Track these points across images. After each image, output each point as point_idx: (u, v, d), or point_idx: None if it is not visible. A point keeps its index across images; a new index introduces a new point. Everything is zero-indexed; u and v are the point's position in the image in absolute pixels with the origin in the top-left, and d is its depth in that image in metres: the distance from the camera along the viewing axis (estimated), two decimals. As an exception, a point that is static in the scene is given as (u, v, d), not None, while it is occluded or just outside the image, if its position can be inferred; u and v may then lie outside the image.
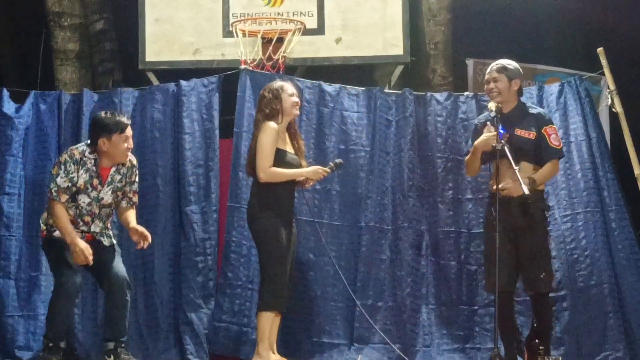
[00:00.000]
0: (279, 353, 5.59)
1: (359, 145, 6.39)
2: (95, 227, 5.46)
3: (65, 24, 8.50)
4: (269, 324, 5.44)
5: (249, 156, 5.57)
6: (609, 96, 6.52)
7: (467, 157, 5.78)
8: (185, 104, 6.40)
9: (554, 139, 5.64)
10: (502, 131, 5.44)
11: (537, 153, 5.60)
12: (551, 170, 5.65)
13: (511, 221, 5.48)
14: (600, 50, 6.49)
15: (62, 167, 5.34)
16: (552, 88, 6.51)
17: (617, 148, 6.97)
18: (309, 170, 5.56)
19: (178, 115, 6.38)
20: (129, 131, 5.43)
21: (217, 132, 6.36)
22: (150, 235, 5.53)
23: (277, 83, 5.64)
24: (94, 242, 5.43)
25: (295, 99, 5.57)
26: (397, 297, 6.22)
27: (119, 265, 5.48)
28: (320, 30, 7.23)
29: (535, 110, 5.74)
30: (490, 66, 5.74)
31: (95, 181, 5.38)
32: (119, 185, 5.48)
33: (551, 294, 5.92)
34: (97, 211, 5.44)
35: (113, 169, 5.45)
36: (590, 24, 9.54)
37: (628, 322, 6.08)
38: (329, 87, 6.45)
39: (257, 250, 5.58)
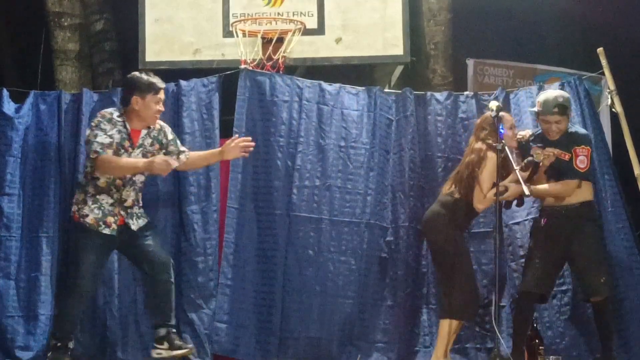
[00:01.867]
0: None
1: (359, 143, 6.39)
2: (127, 194, 5.41)
3: (65, 24, 8.50)
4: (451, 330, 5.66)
5: (459, 178, 5.72)
6: (609, 96, 6.51)
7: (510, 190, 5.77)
8: (185, 103, 6.40)
9: (581, 161, 5.70)
10: (502, 131, 5.45)
11: (562, 171, 5.72)
12: (562, 187, 5.69)
13: (561, 232, 5.65)
14: (600, 50, 6.49)
15: (97, 128, 5.33)
16: (552, 88, 6.50)
17: (617, 148, 6.97)
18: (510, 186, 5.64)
19: (178, 115, 6.38)
20: (162, 95, 5.45)
21: (217, 132, 6.36)
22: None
23: (494, 114, 5.59)
24: (124, 229, 5.39)
25: (514, 130, 5.78)
26: (397, 296, 6.23)
27: (157, 247, 5.46)
28: (320, 30, 7.23)
29: (574, 129, 5.82)
30: (549, 103, 5.69)
31: (127, 143, 5.37)
32: (150, 148, 5.47)
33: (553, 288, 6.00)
34: (127, 175, 5.39)
35: (144, 132, 5.44)
36: (590, 24, 9.53)
37: (625, 323, 6.08)
38: (329, 86, 6.46)
39: (440, 261, 5.76)
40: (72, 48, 8.51)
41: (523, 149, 5.87)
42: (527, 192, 5.36)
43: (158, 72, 7.24)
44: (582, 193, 5.73)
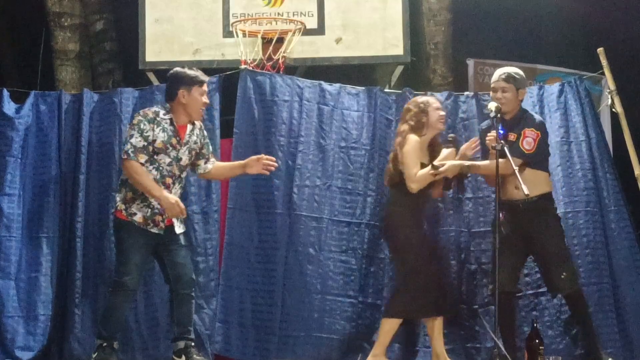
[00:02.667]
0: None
1: (359, 144, 6.39)
2: (175, 192, 5.40)
3: (66, 24, 8.50)
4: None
5: (389, 166, 5.68)
6: (609, 96, 6.51)
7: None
8: (185, 104, 6.39)
9: (527, 142, 5.64)
10: (502, 131, 5.45)
11: (537, 159, 5.66)
12: (502, 165, 5.36)
13: (521, 224, 5.51)
14: (600, 50, 6.49)
15: (136, 127, 5.31)
16: (553, 88, 6.51)
17: (617, 148, 6.97)
18: (446, 157, 5.58)
19: (178, 115, 6.37)
20: (206, 87, 5.46)
21: (217, 132, 6.36)
22: None
23: (423, 97, 5.78)
24: (168, 231, 5.39)
25: (442, 112, 5.74)
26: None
27: (187, 262, 5.47)
28: (320, 30, 7.23)
29: (529, 114, 5.78)
30: (498, 74, 5.72)
31: (174, 140, 5.36)
32: (194, 146, 5.47)
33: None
34: (177, 173, 5.40)
35: (189, 128, 5.44)
36: (590, 24, 9.54)
37: (626, 322, 6.09)
38: (329, 86, 6.46)
39: (395, 258, 5.72)
40: (72, 48, 8.51)
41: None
42: (526, 191, 5.34)
43: (158, 72, 7.34)
44: (540, 185, 5.64)
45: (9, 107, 6.44)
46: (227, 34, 7.17)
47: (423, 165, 5.57)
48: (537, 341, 5.49)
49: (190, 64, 7.12)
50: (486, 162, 5.68)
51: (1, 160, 6.34)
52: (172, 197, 5.24)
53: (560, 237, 5.74)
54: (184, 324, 5.41)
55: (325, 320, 6.13)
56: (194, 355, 5.38)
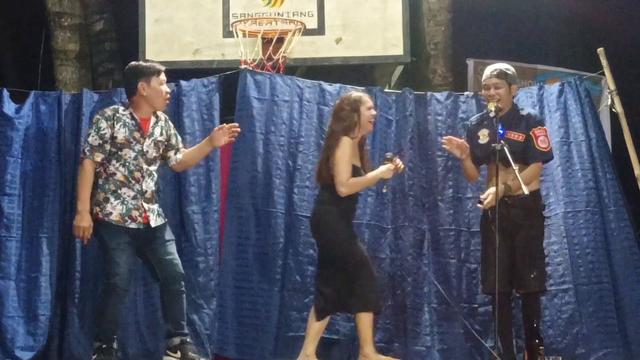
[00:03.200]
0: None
1: (359, 144, 6.39)
2: (147, 185, 5.38)
3: (66, 24, 8.50)
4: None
5: (321, 166, 5.54)
6: (609, 96, 6.52)
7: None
8: (185, 104, 6.39)
9: (542, 141, 5.64)
10: (501, 131, 5.45)
11: (526, 155, 5.63)
12: (533, 172, 5.61)
13: (506, 221, 5.50)
14: (600, 50, 6.50)
15: (94, 126, 5.33)
16: (552, 88, 6.51)
17: (617, 148, 6.97)
18: (382, 170, 5.54)
19: (178, 116, 6.37)
20: (164, 76, 5.46)
21: (217, 132, 6.35)
22: None
23: (355, 94, 5.64)
24: (146, 228, 5.36)
25: (373, 112, 5.62)
26: (397, 296, 6.23)
27: (173, 257, 5.44)
28: (320, 30, 7.23)
29: (526, 111, 5.75)
30: (489, 70, 5.71)
31: (137, 134, 5.36)
32: (160, 138, 5.46)
33: (552, 288, 5.96)
34: (144, 166, 5.38)
35: (152, 120, 5.43)
36: (590, 24, 9.55)
37: (625, 322, 6.10)
38: (329, 87, 6.45)
39: (333, 258, 5.48)
40: (72, 48, 8.51)
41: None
42: (526, 192, 5.35)
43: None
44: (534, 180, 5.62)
45: (9, 107, 6.44)
46: (227, 34, 7.17)
47: (355, 168, 5.47)
48: (537, 341, 5.50)
49: (190, 64, 7.20)
50: (523, 174, 5.51)
51: (1, 160, 6.34)
52: (87, 220, 5.22)
53: (541, 237, 5.72)
54: (177, 320, 5.39)
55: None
56: (189, 352, 5.37)
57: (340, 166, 5.40)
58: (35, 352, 6.08)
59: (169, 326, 5.43)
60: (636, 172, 6.35)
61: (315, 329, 5.52)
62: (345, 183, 5.39)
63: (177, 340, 5.37)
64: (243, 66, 6.61)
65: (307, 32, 7.12)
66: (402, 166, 5.64)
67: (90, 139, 5.30)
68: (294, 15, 7.22)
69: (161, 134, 5.47)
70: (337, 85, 6.48)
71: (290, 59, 7.07)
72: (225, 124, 5.57)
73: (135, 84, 5.37)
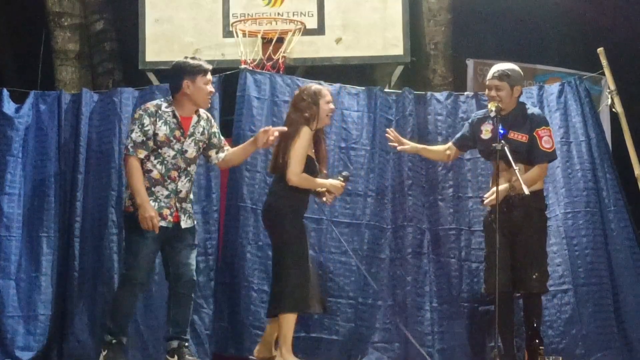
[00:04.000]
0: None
1: (359, 144, 6.39)
2: (182, 185, 5.37)
3: (65, 24, 8.51)
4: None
5: (277, 155, 5.53)
6: (609, 96, 6.52)
7: (431, 148, 5.97)
8: (185, 104, 6.39)
9: (546, 141, 5.65)
10: (502, 131, 5.45)
11: (530, 156, 5.64)
12: (538, 173, 5.63)
13: (509, 221, 5.50)
14: (600, 50, 6.50)
15: (137, 122, 5.28)
16: (552, 88, 6.51)
17: (617, 148, 6.97)
18: (332, 184, 5.56)
19: (178, 115, 6.37)
20: (210, 76, 5.40)
21: (217, 132, 6.36)
22: None
23: (315, 87, 5.65)
24: (175, 227, 5.35)
25: (332, 106, 5.63)
26: (397, 295, 6.23)
27: (191, 262, 5.43)
28: (320, 30, 7.24)
29: (531, 111, 5.75)
30: (491, 71, 5.72)
31: (177, 132, 5.32)
32: (200, 137, 5.42)
33: (552, 288, 5.96)
34: (182, 165, 5.35)
35: (194, 119, 5.40)
36: (590, 24, 9.55)
37: (626, 323, 6.10)
38: (329, 87, 6.44)
39: (277, 250, 5.53)
40: (72, 48, 8.52)
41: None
42: (527, 192, 5.35)
43: (158, 72, 7.34)
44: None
45: (9, 107, 6.44)
46: (227, 34, 7.17)
47: (310, 159, 5.48)
48: (537, 341, 5.50)
49: (190, 64, 7.18)
50: (525, 176, 5.51)
51: (1, 160, 6.34)
52: (151, 209, 5.17)
53: (543, 238, 5.73)
54: (179, 324, 5.39)
55: (325, 321, 6.14)
56: (187, 356, 5.36)
57: (296, 156, 5.40)
58: (35, 352, 6.08)
59: (169, 329, 5.42)
60: (636, 172, 6.35)
61: (284, 325, 5.45)
62: (298, 173, 5.40)
63: (175, 344, 5.36)
64: (243, 66, 6.61)
65: (307, 32, 7.13)
66: (339, 194, 5.64)
67: (133, 135, 5.25)
68: (294, 15, 7.23)
69: (202, 133, 5.44)
70: (337, 85, 6.48)
71: (290, 59, 7.08)
72: (271, 127, 5.48)
73: (180, 81, 5.32)
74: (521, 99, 5.87)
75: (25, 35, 9.49)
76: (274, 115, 6.34)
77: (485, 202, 5.54)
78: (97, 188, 6.31)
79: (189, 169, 5.41)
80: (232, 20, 7.17)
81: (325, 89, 5.70)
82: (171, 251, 5.38)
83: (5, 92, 6.47)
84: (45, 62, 8.75)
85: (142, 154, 5.25)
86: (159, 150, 5.29)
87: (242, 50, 6.89)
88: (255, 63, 6.83)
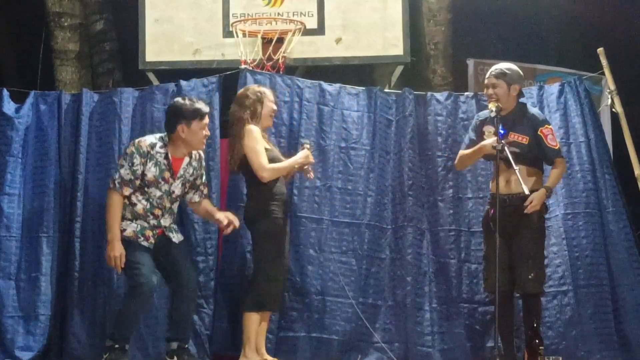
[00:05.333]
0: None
1: (359, 144, 6.39)
2: (165, 221, 5.40)
3: (65, 24, 8.51)
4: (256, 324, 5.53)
5: (236, 157, 5.59)
6: (609, 96, 6.52)
7: (465, 152, 5.85)
8: (185, 104, 6.38)
9: (551, 139, 5.71)
10: (502, 131, 5.46)
11: (532, 156, 5.66)
12: (561, 169, 5.74)
13: (507, 221, 5.51)
14: (600, 50, 6.50)
15: (128, 158, 5.28)
16: (552, 88, 6.51)
17: (617, 148, 6.97)
18: (301, 156, 5.66)
19: (178, 115, 6.37)
20: (207, 120, 5.42)
21: (217, 132, 6.35)
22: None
23: (259, 86, 5.80)
24: (163, 237, 5.39)
25: (275, 107, 5.76)
26: (397, 296, 6.23)
27: (189, 265, 5.48)
28: (320, 30, 7.23)
29: (531, 111, 5.77)
30: (490, 70, 5.77)
31: (167, 174, 5.33)
32: (189, 178, 5.45)
33: (552, 289, 5.96)
34: (167, 205, 5.39)
35: (186, 161, 5.41)
36: (590, 24, 9.55)
37: (624, 324, 6.10)
38: (329, 87, 6.46)
39: (255, 250, 5.65)
40: (72, 48, 8.52)
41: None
42: (527, 192, 5.36)
43: (158, 72, 7.34)
44: (531, 182, 5.60)
45: (9, 107, 6.44)
46: (227, 34, 7.17)
47: (269, 151, 5.57)
48: (537, 341, 5.50)
49: (190, 64, 7.19)
50: (553, 176, 5.69)
51: (1, 160, 6.34)
52: (118, 250, 5.19)
53: (541, 238, 5.73)
54: (181, 327, 5.40)
55: (325, 321, 6.13)
56: (186, 357, 5.37)
57: (255, 153, 5.48)
58: (35, 352, 6.08)
59: (170, 330, 5.44)
60: (636, 172, 6.35)
61: (247, 324, 5.56)
62: (266, 167, 5.48)
63: (174, 345, 5.37)
64: (243, 66, 6.61)
65: (307, 32, 7.12)
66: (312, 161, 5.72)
67: (122, 172, 5.27)
68: (294, 15, 7.22)
69: (192, 175, 5.47)
70: (337, 85, 6.48)
71: (290, 59, 7.07)
72: (230, 219, 5.49)
73: (175, 125, 5.31)
74: (521, 100, 5.88)
75: (25, 35, 9.50)
76: (274, 116, 6.33)
77: (528, 209, 5.55)
78: (97, 188, 6.31)
79: (172, 207, 5.45)
80: (232, 20, 7.16)
81: (270, 90, 5.84)
82: (168, 257, 5.41)
83: (5, 92, 6.47)
84: (45, 62, 8.75)
85: (127, 191, 5.28)
86: (146, 189, 5.31)
87: (242, 50, 6.88)
88: (255, 63, 6.83)
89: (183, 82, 6.44)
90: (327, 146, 6.35)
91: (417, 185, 6.38)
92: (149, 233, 5.34)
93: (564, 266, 6.19)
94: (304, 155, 5.67)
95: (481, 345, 6.18)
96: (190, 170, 5.45)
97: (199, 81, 6.46)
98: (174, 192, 5.39)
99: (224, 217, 5.49)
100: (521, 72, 5.81)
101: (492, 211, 5.62)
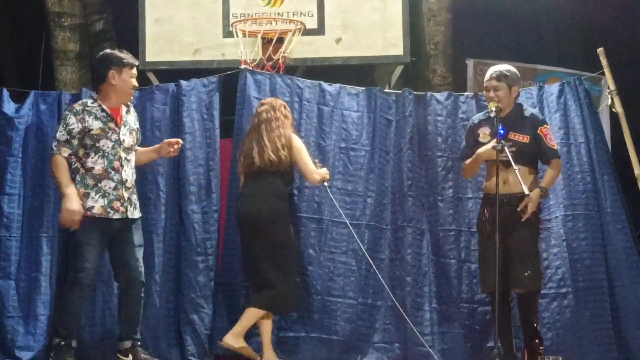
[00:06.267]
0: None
1: (359, 144, 6.39)
2: (127, 174, 5.45)
3: (65, 24, 8.50)
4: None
5: (266, 157, 5.75)
6: (609, 96, 6.51)
7: (467, 162, 5.85)
8: (185, 103, 6.39)
9: (550, 138, 5.75)
10: (502, 131, 5.46)
11: (532, 156, 5.68)
12: (557, 169, 5.76)
13: (502, 219, 5.52)
14: (600, 50, 6.49)
15: (62, 122, 5.41)
16: (552, 88, 6.51)
17: (617, 148, 6.97)
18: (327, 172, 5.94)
19: (178, 115, 6.38)
20: (135, 71, 5.54)
21: (217, 132, 6.36)
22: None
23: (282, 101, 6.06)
24: (125, 221, 5.43)
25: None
26: (397, 296, 6.23)
27: (138, 262, 5.50)
28: (320, 30, 7.24)
29: (529, 112, 5.78)
30: (489, 72, 5.76)
31: (111, 124, 5.43)
32: (133, 127, 5.57)
33: (552, 291, 5.96)
34: (123, 155, 5.45)
35: (124, 109, 5.52)
36: (590, 24, 9.54)
37: (622, 324, 6.09)
38: (329, 87, 6.46)
39: (269, 251, 5.67)
40: (72, 48, 8.51)
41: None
42: (526, 192, 5.36)
43: (158, 72, 7.34)
44: (526, 182, 5.57)
45: (9, 107, 6.44)
46: (227, 34, 7.17)
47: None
48: (537, 341, 5.50)
49: (190, 64, 7.20)
50: (548, 177, 5.72)
51: (1, 160, 6.34)
52: (76, 204, 5.25)
53: (535, 237, 5.75)
54: (131, 324, 5.47)
55: (325, 321, 6.14)
56: (141, 354, 5.42)
57: (306, 158, 5.89)
58: (35, 352, 6.08)
59: (121, 329, 5.52)
60: (636, 172, 6.35)
61: (249, 314, 5.73)
62: (317, 171, 5.85)
63: (128, 344, 5.46)
64: (243, 66, 6.61)
65: (307, 32, 7.12)
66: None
67: (58, 134, 5.39)
68: (293, 15, 7.22)
69: (135, 123, 5.60)
70: (337, 85, 6.48)
71: (290, 59, 7.07)
72: (172, 139, 5.68)
73: (106, 72, 5.43)
74: (521, 100, 5.88)
75: (25, 35, 9.50)
76: (274, 116, 6.34)
77: (525, 215, 5.57)
78: (96, 188, 6.31)
79: (128, 157, 5.51)
80: (232, 20, 7.16)
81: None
82: (119, 253, 5.47)
83: (5, 92, 6.47)
84: (45, 62, 8.75)
85: (65, 152, 5.36)
86: (97, 145, 5.38)
87: (242, 50, 6.88)
88: (255, 63, 6.83)
89: (183, 82, 6.44)
90: (327, 146, 6.35)
91: (417, 185, 6.38)
92: (117, 204, 5.39)
93: (563, 268, 6.19)
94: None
95: (481, 346, 6.18)
96: (132, 119, 5.57)
97: (199, 81, 6.46)
98: (124, 139, 5.47)
99: (166, 143, 5.61)
100: (518, 73, 5.83)
101: (487, 212, 5.64)
